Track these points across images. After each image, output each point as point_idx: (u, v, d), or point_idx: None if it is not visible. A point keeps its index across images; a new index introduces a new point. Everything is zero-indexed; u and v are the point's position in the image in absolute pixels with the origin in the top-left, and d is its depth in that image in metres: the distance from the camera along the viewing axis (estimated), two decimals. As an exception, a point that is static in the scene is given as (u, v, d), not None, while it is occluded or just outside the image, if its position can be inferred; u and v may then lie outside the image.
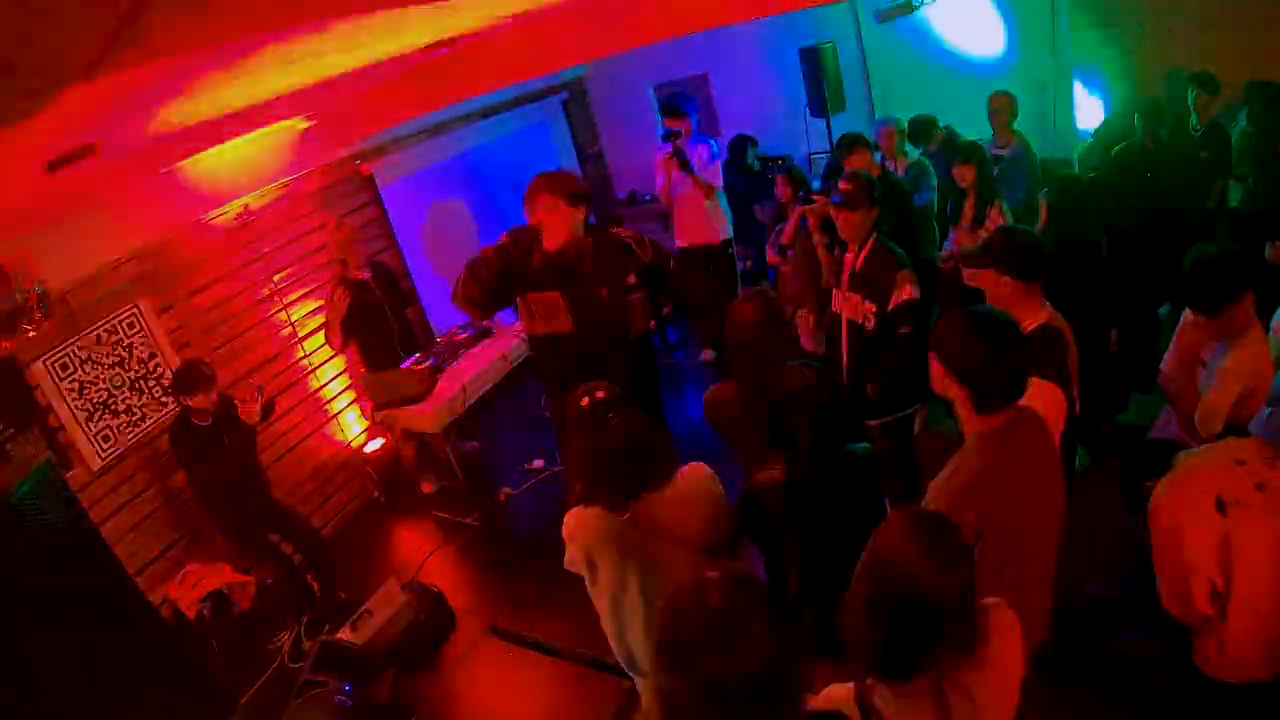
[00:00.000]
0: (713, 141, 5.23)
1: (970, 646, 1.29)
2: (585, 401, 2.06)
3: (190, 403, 3.49)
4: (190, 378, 3.48)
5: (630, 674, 2.25)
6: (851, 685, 1.35)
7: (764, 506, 2.10)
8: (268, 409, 3.75)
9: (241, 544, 3.93)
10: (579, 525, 2.05)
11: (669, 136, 4.97)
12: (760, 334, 2.33)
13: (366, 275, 4.46)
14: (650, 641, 2.03)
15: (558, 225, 2.97)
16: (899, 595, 1.23)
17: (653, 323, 5.83)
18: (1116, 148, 4.39)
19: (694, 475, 2.10)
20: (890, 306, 2.91)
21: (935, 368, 1.78)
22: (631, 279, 3.11)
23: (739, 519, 2.13)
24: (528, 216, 3.02)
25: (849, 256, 3.08)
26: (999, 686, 1.34)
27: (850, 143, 4.10)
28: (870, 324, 2.98)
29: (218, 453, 3.53)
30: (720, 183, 5.19)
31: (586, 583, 2.10)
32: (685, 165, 4.98)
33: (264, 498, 3.89)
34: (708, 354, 5.72)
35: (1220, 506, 1.70)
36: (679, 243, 5.53)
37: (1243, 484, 1.73)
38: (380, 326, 4.52)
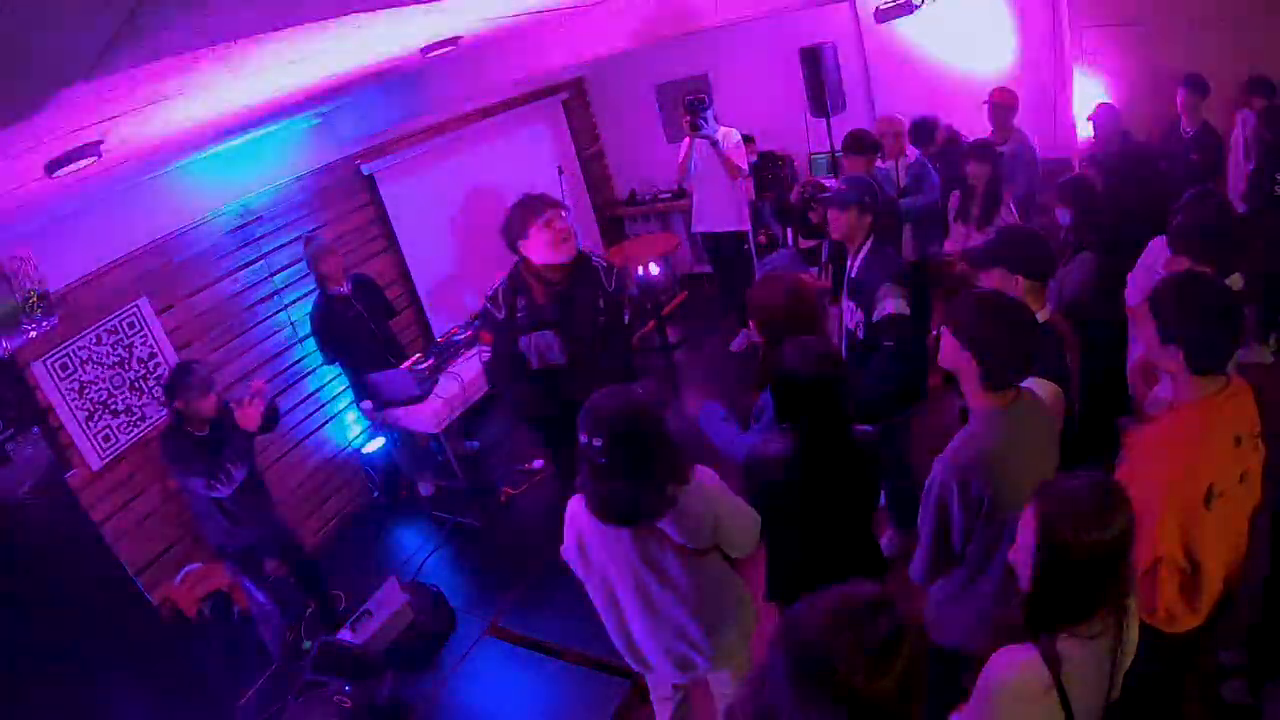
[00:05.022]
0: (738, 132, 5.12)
1: (1132, 580, 1.42)
2: None
3: (184, 408, 3.23)
4: (183, 380, 3.19)
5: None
6: (1031, 644, 1.40)
7: (765, 477, 2.11)
8: (271, 415, 3.45)
9: (237, 570, 3.59)
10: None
11: (693, 106, 4.73)
12: (791, 313, 2.36)
13: (346, 289, 4.40)
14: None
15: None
16: (1081, 548, 1.34)
17: (652, 323, 5.81)
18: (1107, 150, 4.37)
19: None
20: (874, 318, 2.85)
21: (948, 341, 1.83)
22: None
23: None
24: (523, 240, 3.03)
25: (849, 261, 3.05)
26: (1137, 621, 1.48)
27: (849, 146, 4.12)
28: (860, 333, 2.94)
29: (214, 466, 3.19)
30: (746, 166, 5.08)
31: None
32: (697, 129, 4.74)
33: (264, 519, 3.54)
34: (738, 343, 5.62)
35: (1208, 499, 1.72)
36: (698, 227, 5.40)
37: (1230, 473, 1.76)
38: (363, 339, 4.47)
